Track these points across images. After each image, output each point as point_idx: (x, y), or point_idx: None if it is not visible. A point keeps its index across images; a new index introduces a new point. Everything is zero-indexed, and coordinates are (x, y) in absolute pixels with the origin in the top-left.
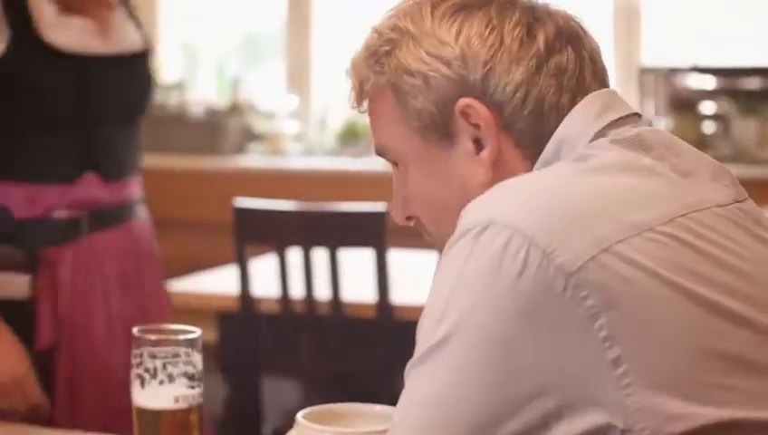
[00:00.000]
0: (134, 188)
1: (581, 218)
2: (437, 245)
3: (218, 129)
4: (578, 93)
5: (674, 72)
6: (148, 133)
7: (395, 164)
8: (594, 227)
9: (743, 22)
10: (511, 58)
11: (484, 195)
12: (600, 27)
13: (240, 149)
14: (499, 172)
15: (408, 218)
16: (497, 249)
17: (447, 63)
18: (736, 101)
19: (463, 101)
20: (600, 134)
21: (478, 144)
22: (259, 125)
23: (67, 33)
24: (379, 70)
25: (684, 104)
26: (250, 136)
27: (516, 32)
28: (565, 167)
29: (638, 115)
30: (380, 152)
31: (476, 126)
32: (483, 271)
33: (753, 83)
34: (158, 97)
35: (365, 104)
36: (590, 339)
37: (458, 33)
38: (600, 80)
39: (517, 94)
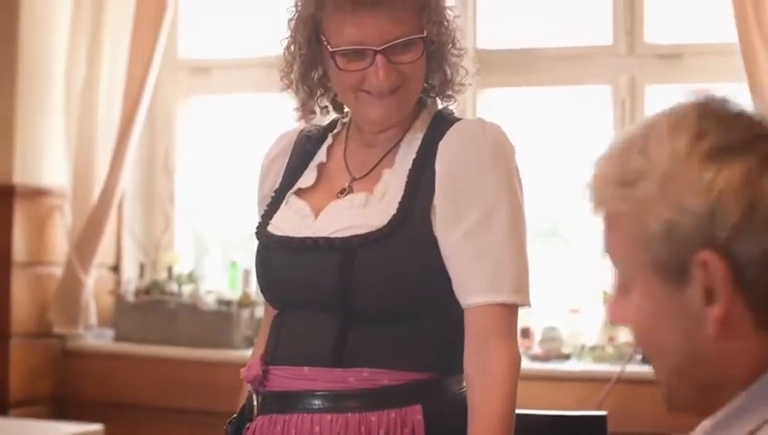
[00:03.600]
0: None
1: None
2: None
3: (230, 320)
4: None
5: None
6: (161, 324)
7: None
8: None
9: None
10: (762, 222)
11: None
12: None
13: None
14: (727, 333)
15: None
16: None
17: (694, 216)
18: None
19: (702, 256)
20: None
21: (709, 294)
22: None
23: None
24: (621, 196)
25: None
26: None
27: None
28: None
29: None
30: (606, 255)
31: (711, 279)
32: None
33: None
34: (172, 287)
35: (599, 211)
36: None
37: (712, 183)
38: None
39: (760, 260)
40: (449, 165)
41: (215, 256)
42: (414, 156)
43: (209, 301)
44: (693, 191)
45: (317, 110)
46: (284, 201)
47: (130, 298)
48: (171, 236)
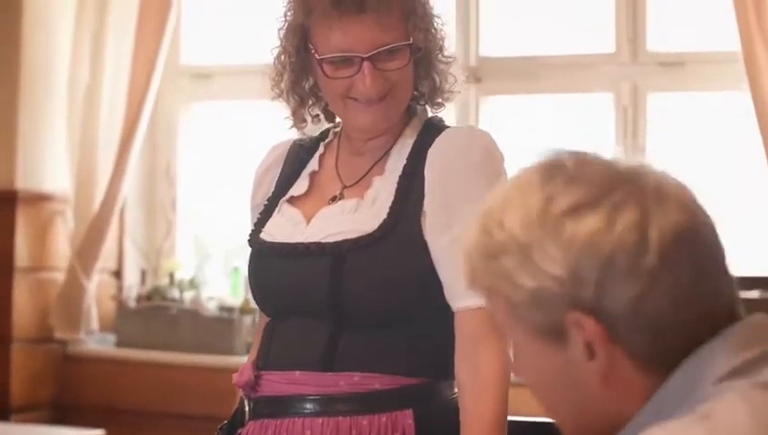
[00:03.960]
0: None
1: None
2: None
3: (231, 326)
4: (695, 306)
5: None
6: (163, 329)
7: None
8: None
9: (740, 230)
10: (622, 273)
11: None
12: None
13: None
14: (613, 382)
15: None
16: None
17: (557, 281)
18: None
19: (572, 317)
20: (736, 372)
21: (590, 349)
22: None
23: None
24: (487, 270)
25: None
26: None
27: (630, 239)
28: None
29: None
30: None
31: (588, 336)
32: None
33: (752, 294)
34: (173, 293)
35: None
36: None
37: (567, 245)
38: (725, 284)
39: (629, 312)
40: (439, 171)
41: (216, 263)
42: (404, 162)
43: (211, 307)
44: (550, 257)
45: (308, 118)
46: (277, 209)
47: (132, 304)
48: (173, 242)
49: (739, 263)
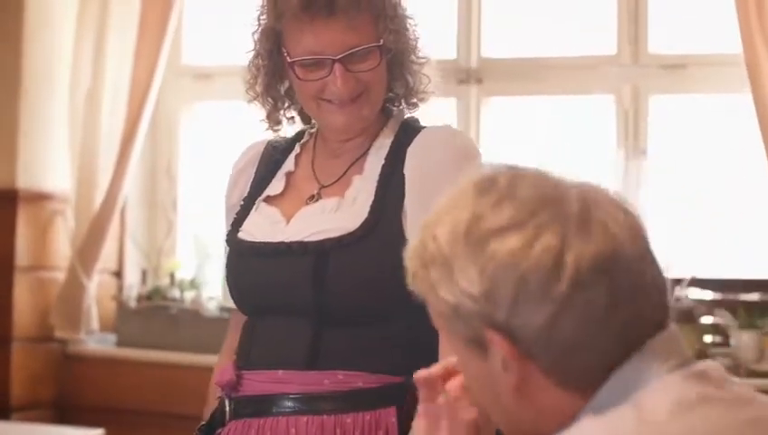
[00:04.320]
0: None
1: None
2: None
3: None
4: (610, 331)
5: (675, 283)
6: (163, 329)
7: None
8: None
9: (741, 233)
10: (534, 296)
11: None
12: None
13: None
14: (527, 396)
15: None
16: None
17: (472, 299)
18: (735, 313)
19: (488, 335)
20: (672, 369)
21: (507, 364)
22: None
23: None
24: (422, 277)
25: (685, 315)
26: None
27: (545, 262)
28: (627, 417)
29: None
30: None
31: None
32: None
33: (752, 296)
34: (174, 293)
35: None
36: None
37: (487, 264)
38: (649, 307)
39: (541, 333)
40: (418, 169)
41: (217, 263)
42: (383, 162)
43: (211, 307)
44: (468, 276)
45: (283, 121)
46: (254, 208)
47: (132, 304)
48: (173, 242)
49: (739, 265)
